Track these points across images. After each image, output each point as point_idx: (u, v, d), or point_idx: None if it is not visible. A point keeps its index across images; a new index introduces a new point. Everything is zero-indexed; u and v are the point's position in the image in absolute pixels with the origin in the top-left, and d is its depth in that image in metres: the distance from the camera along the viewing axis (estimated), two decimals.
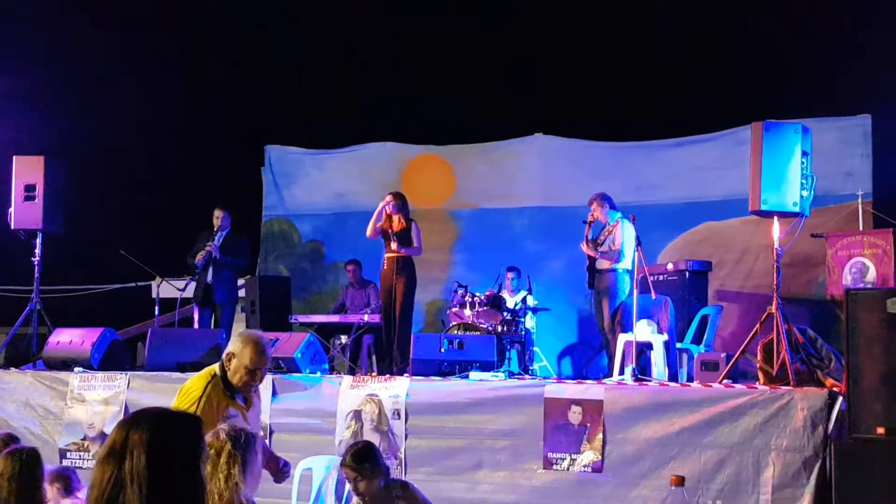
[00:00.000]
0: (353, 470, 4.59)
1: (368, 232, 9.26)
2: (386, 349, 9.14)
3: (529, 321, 9.80)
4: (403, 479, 4.85)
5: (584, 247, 9.01)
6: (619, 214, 9.04)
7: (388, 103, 12.75)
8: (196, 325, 9.94)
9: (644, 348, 8.48)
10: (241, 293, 10.79)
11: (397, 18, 12.86)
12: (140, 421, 2.39)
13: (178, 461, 2.36)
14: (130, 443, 2.32)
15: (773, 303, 7.15)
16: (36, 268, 9.51)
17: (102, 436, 8.05)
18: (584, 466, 6.90)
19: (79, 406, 8.36)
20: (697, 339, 9.08)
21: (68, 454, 8.34)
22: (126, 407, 8.11)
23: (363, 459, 4.62)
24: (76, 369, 8.58)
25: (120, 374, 8.40)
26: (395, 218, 9.16)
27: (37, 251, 9.51)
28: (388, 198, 9.24)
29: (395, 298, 9.04)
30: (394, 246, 9.06)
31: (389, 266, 9.10)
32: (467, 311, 9.48)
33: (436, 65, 12.54)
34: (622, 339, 8.41)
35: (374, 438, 7.19)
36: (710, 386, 7.05)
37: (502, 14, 12.41)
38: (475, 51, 12.41)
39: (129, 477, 2.29)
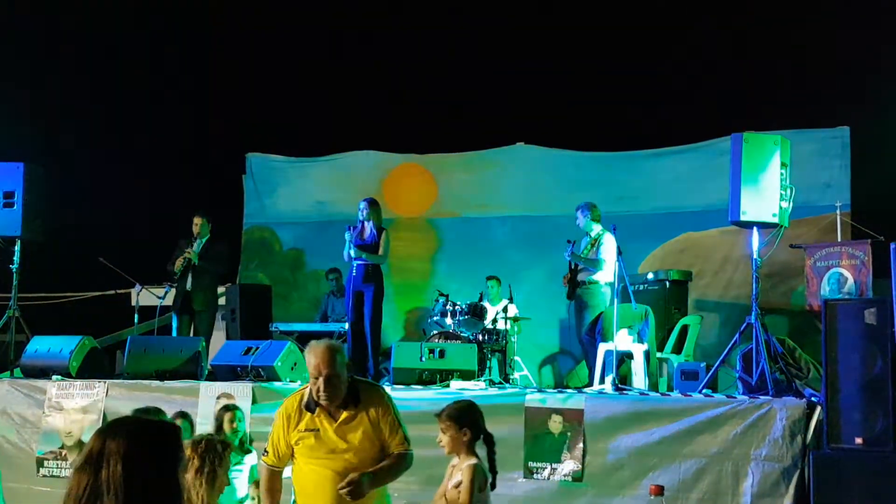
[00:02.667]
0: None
1: (346, 257, 9.13)
2: (356, 356, 9.03)
3: (510, 330, 9.79)
4: None
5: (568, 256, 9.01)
6: (600, 227, 9.07)
7: (369, 111, 12.74)
8: (175, 333, 9.87)
9: (624, 358, 8.50)
10: (222, 301, 10.74)
11: (381, 26, 12.86)
12: (117, 429, 2.38)
13: (155, 470, 2.34)
14: (107, 451, 2.31)
15: (753, 313, 7.20)
16: (14, 275, 9.43)
17: (80, 444, 7.99)
18: (565, 476, 6.91)
19: (56, 414, 8.30)
20: (677, 349, 9.11)
21: (45, 463, 8.27)
22: (104, 415, 8.06)
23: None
24: (54, 377, 8.51)
25: (98, 383, 8.35)
26: (367, 226, 9.07)
27: (15, 258, 9.44)
28: (362, 205, 9.17)
29: (364, 307, 8.97)
30: (353, 253, 8.93)
31: (358, 273, 9.02)
32: (448, 320, 9.47)
33: (418, 73, 12.55)
34: (602, 348, 8.42)
35: None
36: (690, 395, 7.09)
37: (484, 24, 12.44)
38: (457, 60, 12.43)
39: (106, 485, 2.28)
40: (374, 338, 8.95)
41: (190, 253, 9.72)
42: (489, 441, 4.76)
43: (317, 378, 4.36)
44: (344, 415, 4.44)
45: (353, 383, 4.49)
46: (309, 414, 4.46)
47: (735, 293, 10.34)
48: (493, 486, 4.74)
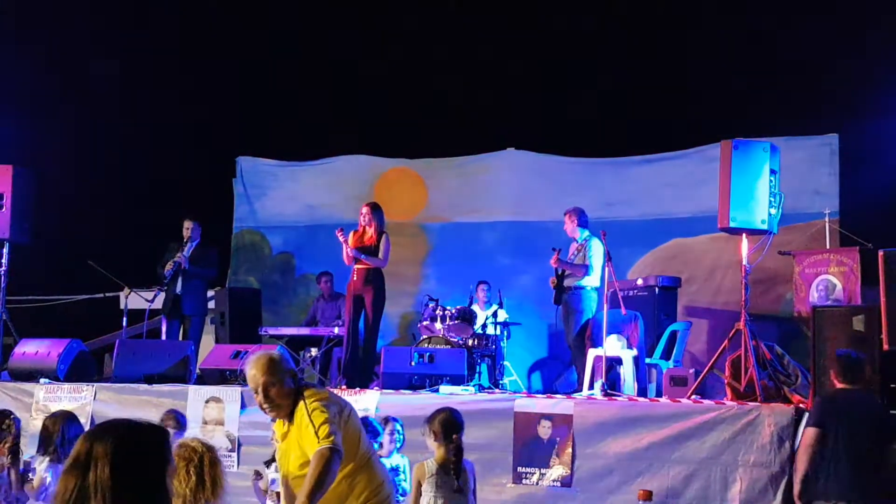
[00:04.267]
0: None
1: (346, 261, 9.11)
2: (350, 360, 9.02)
3: (500, 335, 9.79)
4: None
5: (553, 262, 9.01)
6: (587, 232, 9.08)
7: (360, 116, 12.74)
8: (164, 337, 9.85)
9: (614, 363, 8.51)
10: (211, 305, 10.71)
11: (372, 30, 12.87)
12: (105, 432, 2.37)
13: (143, 473, 2.34)
14: (95, 454, 2.31)
15: (742, 319, 7.22)
16: (2, 277, 9.40)
17: None
18: (554, 481, 6.91)
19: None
20: (666, 355, 9.12)
21: None
22: (92, 419, 8.03)
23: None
24: (42, 380, 8.48)
25: (86, 386, 8.32)
26: (369, 230, 9.07)
27: (3, 260, 9.41)
28: (364, 209, 9.18)
29: (363, 310, 8.97)
30: (352, 253, 8.91)
31: (359, 277, 9.01)
32: (438, 325, 9.47)
33: (409, 78, 12.56)
34: (592, 353, 8.43)
35: None
36: (679, 401, 7.10)
37: (476, 28, 12.45)
38: (448, 63, 12.44)
39: (93, 488, 2.28)
40: (370, 341, 8.94)
41: (180, 257, 9.70)
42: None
43: (256, 390, 4.26)
44: (285, 429, 4.36)
45: (300, 396, 4.29)
46: (273, 424, 4.47)
47: (724, 299, 10.36)
48: (458, 489, 5.02)
